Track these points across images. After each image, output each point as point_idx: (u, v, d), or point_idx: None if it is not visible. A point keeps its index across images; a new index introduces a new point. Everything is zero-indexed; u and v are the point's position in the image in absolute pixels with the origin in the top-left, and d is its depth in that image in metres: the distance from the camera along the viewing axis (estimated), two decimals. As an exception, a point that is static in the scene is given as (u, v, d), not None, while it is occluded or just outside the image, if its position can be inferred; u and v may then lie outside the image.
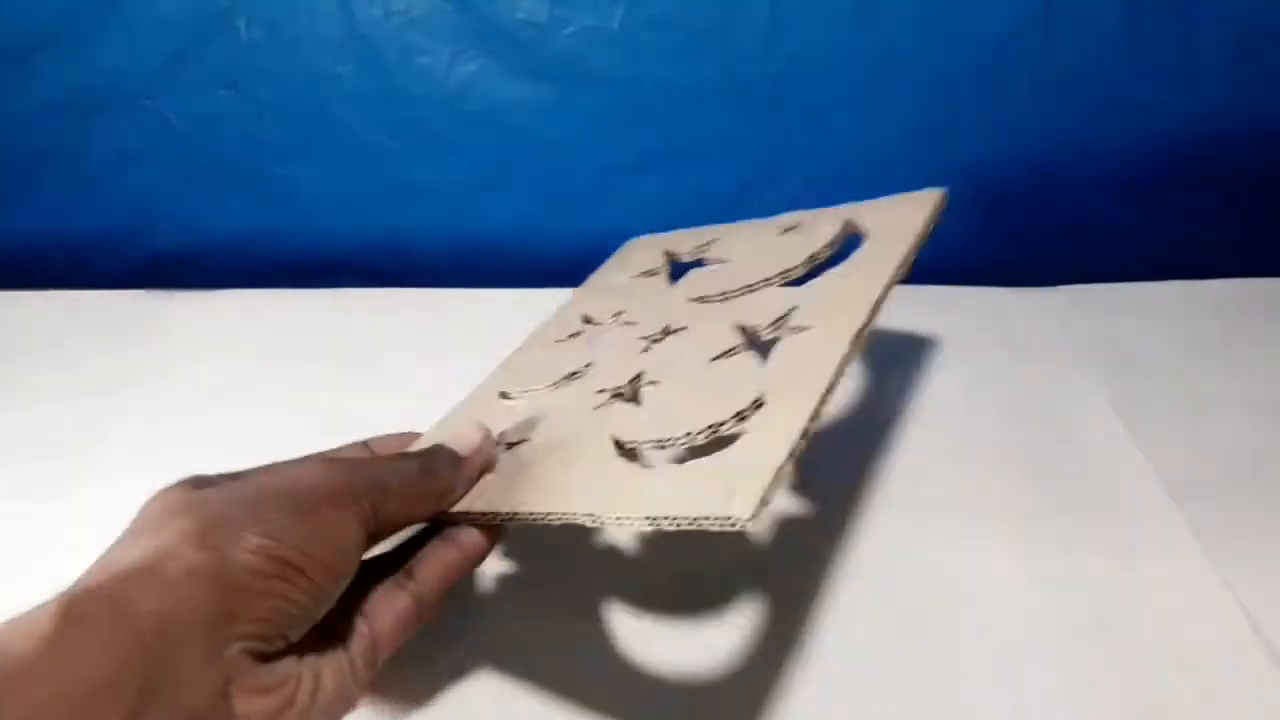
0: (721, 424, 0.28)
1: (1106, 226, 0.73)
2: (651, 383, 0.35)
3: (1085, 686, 0.36)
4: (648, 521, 0.24)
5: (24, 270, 0.69)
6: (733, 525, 0.22)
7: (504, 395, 0.41)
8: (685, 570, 0.41)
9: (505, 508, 0.30)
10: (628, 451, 0.31)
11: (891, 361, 0.55)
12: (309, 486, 0.26)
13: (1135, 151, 0.69)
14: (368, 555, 0.29)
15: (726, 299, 0.39)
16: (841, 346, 0.29)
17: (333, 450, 0.33)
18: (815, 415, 0.26)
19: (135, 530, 0.25)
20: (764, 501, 0.23)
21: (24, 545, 0.42)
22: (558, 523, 0.27)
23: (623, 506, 0.26)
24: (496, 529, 0.31)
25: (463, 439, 0.33)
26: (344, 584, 0.26)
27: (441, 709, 0.35)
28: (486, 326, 0.60)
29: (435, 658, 0.37)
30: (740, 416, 0.28)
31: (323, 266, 0.73)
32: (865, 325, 0.30)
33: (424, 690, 0.36)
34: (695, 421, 0.29)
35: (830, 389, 0.27)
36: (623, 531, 0.26)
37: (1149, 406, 0.51)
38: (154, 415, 0.51)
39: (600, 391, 0.36)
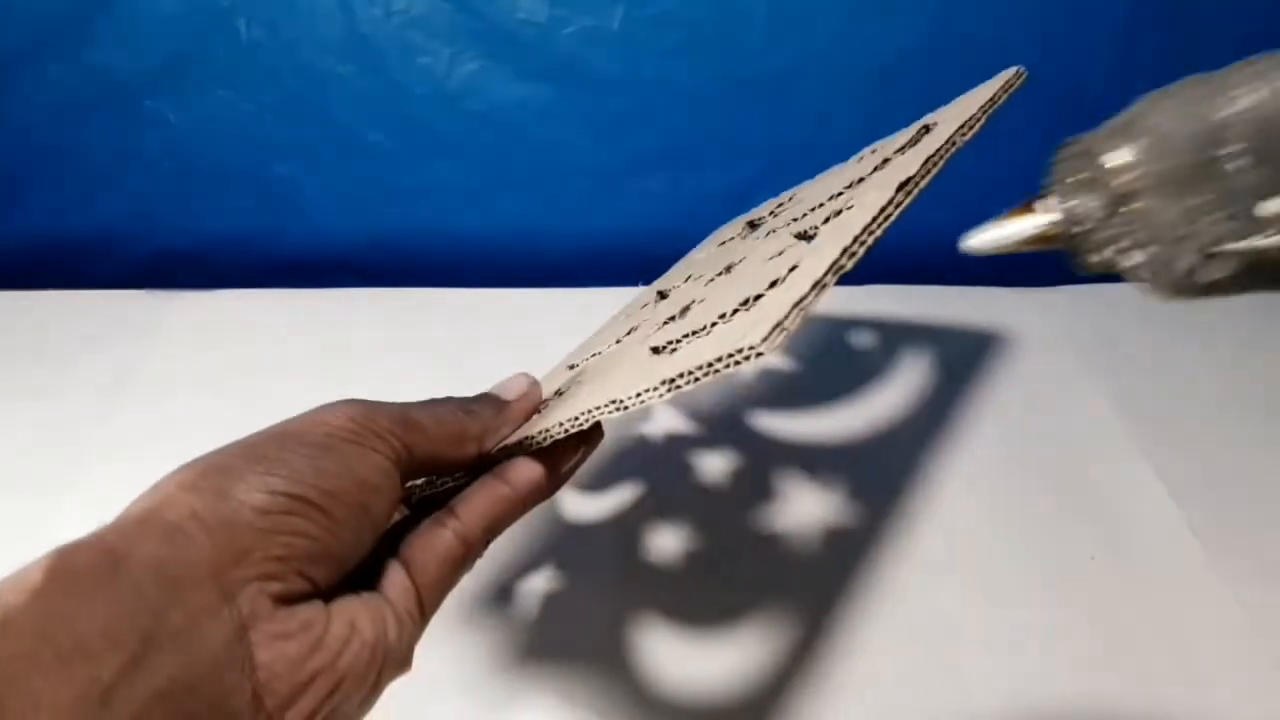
0: (757, 296, 0.26)
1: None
2: (700, 301, 0.33)
3: (1085, 685, 0.36)
4: (667, 387, 0.23)
5: (24, 270, 0.69)
6: (747, 357, 0.21)
7: (571, 366, 0.40)
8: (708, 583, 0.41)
9: (537, 429, 0.28)
10: (662, 351, 0.29)
11: (891, 361, 0.55)
12: (325, 425, 0.25)
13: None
14: (415, 502, 0.28)
15: (794, 221, 0.37)
16: (885, 195, 0.27)
17: (466, 398, 0.31)
18: (847, 253, 0.24)
19: (140, 496, 0.24)
20: (779, 327, 0.21)
21: (24, 544, 0.42)
22: (588, 423, 0.26)
23: (644, 385, 0.24)
24: (557, 464, 0.29)
25: (507, 385, 0.32)
26: (372, 519, 0.24)
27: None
28: (485, 326, 0.60)
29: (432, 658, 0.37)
30: (774, 284, 0.26)
31: (323, 266, 0.73)
32: (912, 177, 0.27)
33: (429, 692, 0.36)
34: (729, 303, 0.27)
35: (868, 229, 0.25)
36: (649, 408, 0.25)
37: (1149, 406, 0.51)
38: (154, 415, 0.51)
39: (650, 325, 0.35)
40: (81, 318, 0.60)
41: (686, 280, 0.41)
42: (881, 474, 0.47)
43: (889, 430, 0.50)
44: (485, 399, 0.30)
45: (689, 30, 0.66)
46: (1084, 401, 0.52)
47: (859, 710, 0.36)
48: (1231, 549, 0.42)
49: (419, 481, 0.29)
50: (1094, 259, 0.20)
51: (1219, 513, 0.44)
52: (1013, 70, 0.37)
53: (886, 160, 0.34)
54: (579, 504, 0.45)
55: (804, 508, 0.45)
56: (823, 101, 0.68)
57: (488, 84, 0.68)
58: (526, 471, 0.29)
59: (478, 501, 0.28)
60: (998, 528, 0.44)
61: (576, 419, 0.26)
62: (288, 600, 0.22)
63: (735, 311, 0.26)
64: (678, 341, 0.28)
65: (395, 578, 0.25)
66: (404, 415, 0.27)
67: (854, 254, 0.24)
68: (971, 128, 0.32)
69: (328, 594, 0.23)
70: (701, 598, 0.40)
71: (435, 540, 0.26)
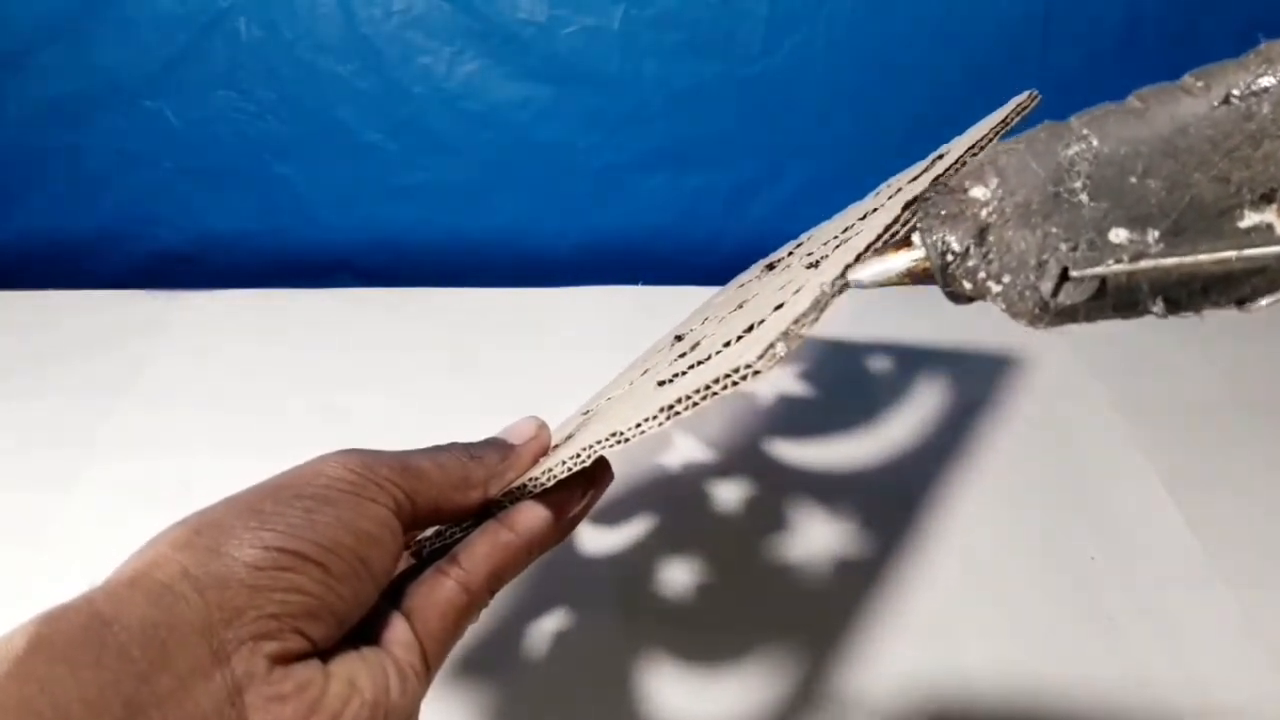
0: (760, 321, 0.26)
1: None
2: (710, 336, 0.33)
3: (1085, 685, 0.36)
4: (666, 414, 0.23)
5: (24, 270, 0.69)
6: (744, 376, 0.21)
7: (585, 412, 0.39)
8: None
9: (541, 469, 0.28)
10: (667, 382, 0.29)
11: (891, 361, 0.55)
12: (322, 476, 0.24)
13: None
14: (426, 555, 0.28)
15: (808, 255, 0.37)
16: (891, 214, 0.27)
17: (471, 444, 0.30)
18: (849, 269, 0.24)
19: (131, 556, 0.23)
20: (774, 345, 0.21)
21: (26, 543, 0.42)
22: (590, 458, 0.26)
23: (644, 414, 0.24)
24: (563, 508, 0.28)
25: (514, 429, 0.31)
26: (372, 573, 0.24)
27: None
28: (486, 326, 0.60)
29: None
30: (779, 307, 0.25)
31: (323, 266, 0.73)
32: (919, 197, 0.27)
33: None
34: (735, 331, 0.27)
35: (871, 246, 0.25)
36: (649, 436, 0.24)
37: (1149, 406, 0.51)
38: (154, 415, 0.51)
39: (663, 364, 0.35)
40: (81, 318, 0.60)
41: (703, 322, 0.41)
42: (877, 474, 0.47)
43: (885, 430, 0.50)
44: (491, 444, 0.29)
45: (689, 30, 0.66)
46: (1084, 401, 0.52)
47: None
48: (1231, 549, 0.42)
49: (428, 534, 0.29)
50: (964, 287, 0.21)
51: (1219, 512, 0.44)
52: (1025, 94, 0.37)
53: (899, 190, 0.34)
54: (592, 538, 0.44)
55: (814, 532, 0.45)
56: (823, 101, 0.68)
57: (488, 84, 0.68)
58: (531, 516, 0.28)
59: (481, 548, 0.27)
60: (998, 527, 0.44)
61: (578, 455, 0.26)
62: (284, 660, 0.21)
63: (740, 338, 0.26)
64: (683, 372, 0.28)
65: (398, 631, 0.25)
66: (405, 463, 0.26)
67: (846, 281, 0.24)
68: (981, 148, 0.32)
69: (327, 651, 0.23)
70: (711, 637, 0.39)
71: (437, 590, 0.26)
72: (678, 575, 0.42)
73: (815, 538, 0.43)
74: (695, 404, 0.23)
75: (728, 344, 0.26)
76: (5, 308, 0.61)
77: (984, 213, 0.21)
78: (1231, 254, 0.18)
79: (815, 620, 0.39)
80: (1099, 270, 0.19)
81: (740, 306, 0.36)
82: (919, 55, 0.67)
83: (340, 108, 0.68)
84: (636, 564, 0.42)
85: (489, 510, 0.28)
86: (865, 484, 0.46)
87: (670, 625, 0.40)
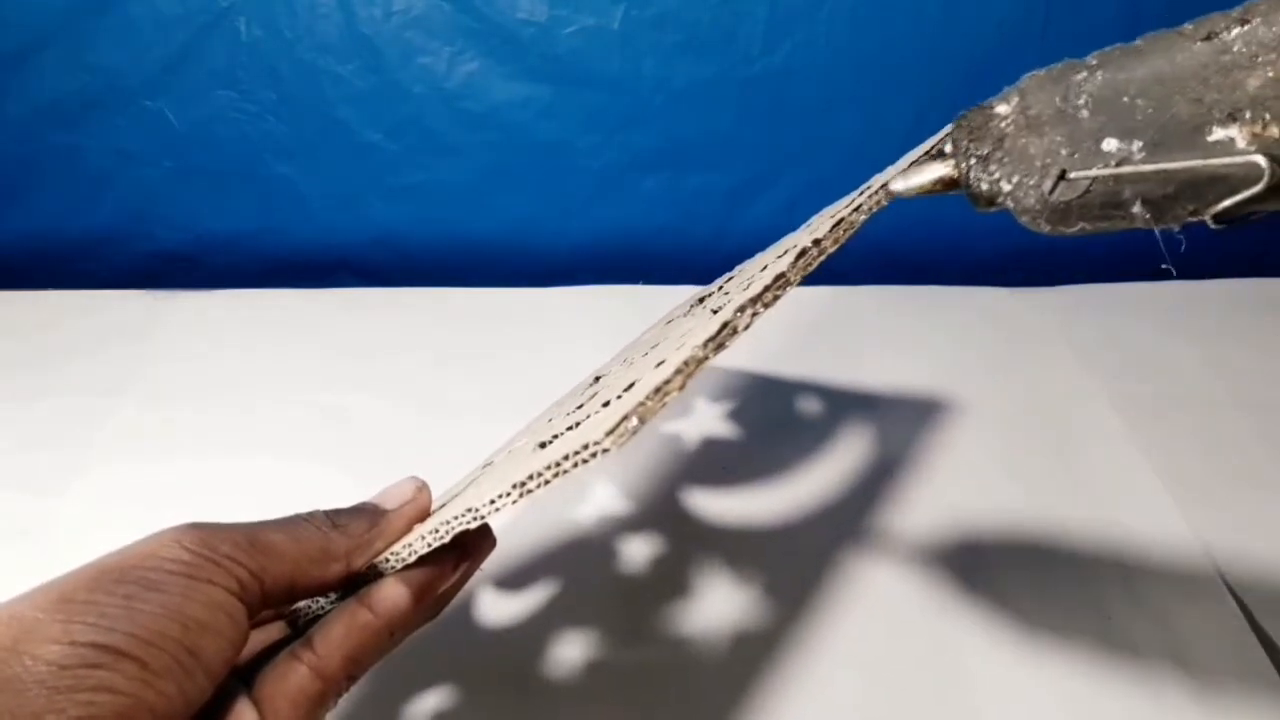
0: (633, 384, 0.24)
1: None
2: (608, 388, 0.31)
3: (1085, 685, 0.36)
4: (519, 491, 0.22)
5: (24, 270, 0.69)
6: (594, 454, 0.20)
7: (486, 465, 0.36)
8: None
9: (403, 543, 0.26)
10: (546, 445, 0.27)
11: (891, 361, 0.55)
12: (152, 558, 0.22)
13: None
14: (303, 625, 0.26)
15: (725, 295, 0.35)
16: (764, 280, 0.25)
17: (337, 511, 0.28)
18: (714, 341, 0.22)
19: None
20: (626, 421, 0.20)
21: (24, 544, 0.42)
22: (448, 535, 0.24)
23: (500, 489, 0.22)
24: (431, 585, 0.26)
25: (389, 492, 0.28)
26: (205, 664, 0.21)
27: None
28: (486, 326, 0.60)
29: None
30: (659, 365, 0.24)
31: (323, 266, 0.73)
32: (809, 249, 0.26)
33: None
34: (616, 390, 0.25)
35: (730, 324, 0.23)
36: (504, 513, 0.23)
37: (1149, 406, 0.51)
38: (153, 415, 0.51)
39: (563, 413, 0.33)
40: (81, 318, 0.60)
41: (623, 363, 0.38)
42: (876, 473, 0.47)
43: (885, 430, 0.50)
44: (359, 510, 0.27)
45: (689, 30, 0.66)
46: (1084, 401, 0.52)
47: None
48: (1231, 548, 0.42)
49: (302, 604, 0.27)
50: (982, 189, 0.24)
51: (1219, 512, 0.44)
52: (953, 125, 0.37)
53: (816, 228, 0.32)
54: (487, 604, 0.39)
55: (790, 500, 0.45)
56: (823, 101, 0.68)
57: (488, 84, 0.68)
58: (391, 595, 0.25)
59: (338, 630, 0.24)
60: (997, 527, 0.44)
61: (437, 530, 0.24)
62: None
63: (619, 397, 0.24)
64: (560, 435, 0.27)
65: None
66: (252, 537, 0.24)
67: (721, 344, 0.23)
68: (891, 194, 0.31)
69: None
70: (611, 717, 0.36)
71: (290, 677, 0.23)
72: (574, 651, 0.38)
73: (735, 605, 0.40)
74: (547, 481, 0.21)
75: (606, 404, 0.25)
76: (5, 308, 0.61)
77: (1004, 125, 0.24)
78: (1198, 163, 0.21)
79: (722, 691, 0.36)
80: (1090, 173, 0.23)
81: (647, 354, 0.34)
82: (919, 55, 0.67)
83: (340, 108, 0.68)
84: (533, 635, 0.38)
85: (358, 582, 0.26)
86: (847, 480, 0.46)
87: (569, 707, 0.36)
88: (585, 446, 0.20)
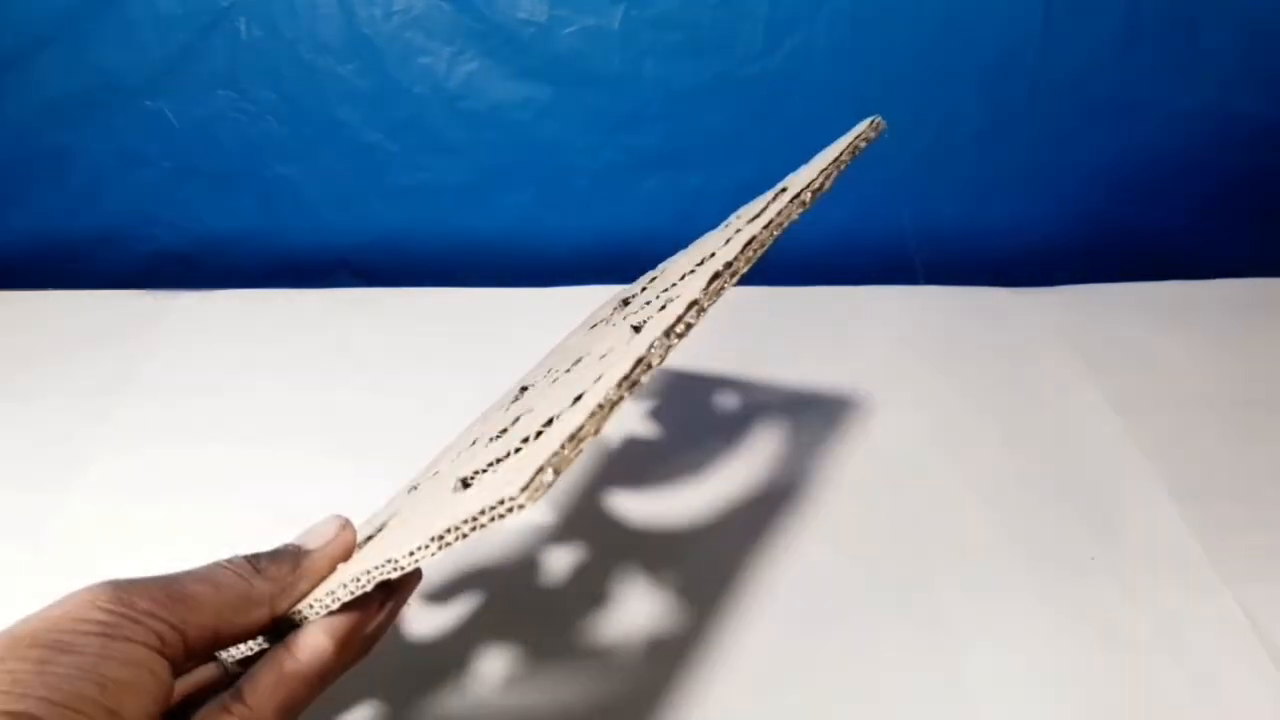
0: (550, 421, 0.24)
1: (1106, 226, 0.73)
2: (529, 412, 0.30)
3: (1085, 685, 0.36)
4: (438, 545, 0.22)
5: (24, 270, 0.69)
6: (509, 509, 0.20)
7: (413, 488, 0.36)
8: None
9: (324, 589, 0.26)
10: (468, 484, 0.27)
11: (891, 361, 0.55)
12: (67, 619, 0.21)
13: (1135, 151, 0.70)
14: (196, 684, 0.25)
15: (646, 306, 0.34)
16: (694, 291, 0.25)
17: (259, 554, 0.27)
18: (628, 380, 0.22)
19: None
20: (540, 474, 0.20)
21: (24, 544, 0.42)
22: (369, 584, 0.24)
23: (419, 540, 0.22)
24: (356, 626, 0.26)
25: (312, 532, 0.28)
26: None
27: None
28: (486, 326, 0.60)
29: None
30: (577, 400, 0.24)
31: (322, 266, 0.73)
32: (714, 279, 0.26)
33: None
34: (536, 424, 0.25)
35: (644, 359, 0.23)
36: (425, 564, 0.22)
37: (1149, 406, 0.51)
38: (154, 415, 0.51)
39: (473, 444, 0.32)
40: (81, 318, 0.60)
41: (546, 374, 0.38)
42: (877, 474, 0.47)
43: (885, 430, 0.50)
44: (282, 553, 0.27)
45: (689, 30, 0.66)
46: (1084, 401, 0.52)
47: None
48: (1231, 549, 0.42)
49: (239, 647, 0.26)
50: None
51: (1219, 513, 0.44)
52: (868, 121, 0.36)
53: (738, 232, 0.32)
54: (415, 617, 0.39)
55: (786, 499, 0.45)
56: (823, 101, 0.68)
57: (488, 84, 0.68)
58: (315, 641, 0.25)
59: (266, 680, 0.24)
60: (997, 528, 0.44)
61: (359, 579, 0.24)
62: None
63: (539, 434, 0.24)
64: (482, 471, 0.26)
65: None
66: (170, 590, 0.23)
67: (635, 382, 0.23)
68: (826, 179, 0.32)
69: None
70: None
71: None
72: (497, 665, 0.37)
73: (656, 607, 0.39)
74: (464, 535, 0.21)
75: (526, 439, 0.25)
76: (5, 308, 0.61)
77: None
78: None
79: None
80: None
81: (569, 370, 0.33)
82: (919, 55, 0.67)
83: (340, 108, 0.68)
84: (454, 649, 0.37)
85: (285, 625, 0.26)
86: (848, 480, 0.46)
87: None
88: (501, 502, 0.20)
